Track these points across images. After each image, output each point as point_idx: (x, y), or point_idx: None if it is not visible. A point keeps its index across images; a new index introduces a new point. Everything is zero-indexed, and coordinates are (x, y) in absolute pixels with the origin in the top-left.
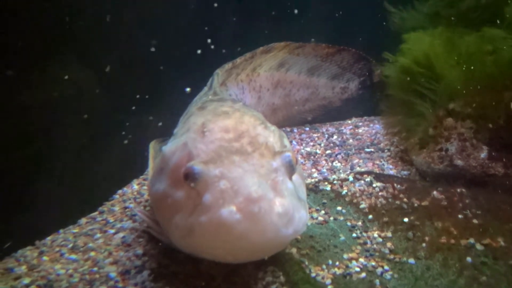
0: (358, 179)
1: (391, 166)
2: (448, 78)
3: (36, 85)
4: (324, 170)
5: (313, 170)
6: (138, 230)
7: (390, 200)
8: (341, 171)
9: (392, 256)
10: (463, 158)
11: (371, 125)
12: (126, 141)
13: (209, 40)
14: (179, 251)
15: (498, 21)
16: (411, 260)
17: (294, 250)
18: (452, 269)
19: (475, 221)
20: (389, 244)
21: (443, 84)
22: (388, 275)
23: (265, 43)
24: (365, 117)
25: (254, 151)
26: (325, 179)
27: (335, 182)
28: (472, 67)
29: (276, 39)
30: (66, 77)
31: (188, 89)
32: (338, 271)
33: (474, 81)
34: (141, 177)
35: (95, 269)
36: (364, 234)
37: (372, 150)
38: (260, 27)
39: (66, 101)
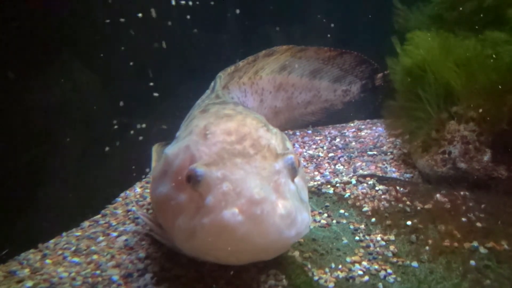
0: (361, 182)
1: (394, 169)
2: (448, 82)
3: (38, 88)
4: (327, 173)
5: (316, 173)
6: (140, 233)
7: (393, 203)
8: (343, 174)
9: (395, 259)
10: (466, 161)
11: (374, 128)
12: (128, 144)
13: (212, 43)
14: (182, 254)
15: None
16: (414, 264)
17: (296, 253)
18: (455, 273)
19: (478, 224)
20: (392, 247)
21: (443, 87)
22: (391, 279)
23: (267, 46)
24: (368, 120)
25: (257, 153)
26: (328, 182)
27: (337, 185)
28: (473, 71)
29: (278, 42)
30: (69, 80)
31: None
32: (341, 275)
33: (477, 84)
34: (144, 180)
35: (98, 272)
36: (367, 237)
37: (375, 153)
38: (263, 30)
39: (68, 104)
